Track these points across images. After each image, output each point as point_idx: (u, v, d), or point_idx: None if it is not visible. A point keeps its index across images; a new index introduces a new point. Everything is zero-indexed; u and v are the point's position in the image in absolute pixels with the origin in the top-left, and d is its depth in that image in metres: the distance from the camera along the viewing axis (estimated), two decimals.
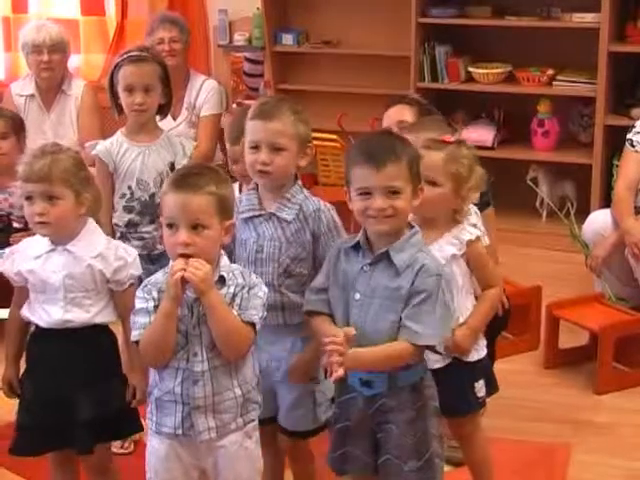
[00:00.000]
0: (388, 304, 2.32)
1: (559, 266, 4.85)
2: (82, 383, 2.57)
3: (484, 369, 2.77)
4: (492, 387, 2.84)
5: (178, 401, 2.36)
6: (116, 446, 3.22)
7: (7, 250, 2.70)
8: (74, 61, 5.70)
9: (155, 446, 2.43)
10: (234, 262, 2.52)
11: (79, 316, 2.58)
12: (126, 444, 3.24)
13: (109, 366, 2.65)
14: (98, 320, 2.61)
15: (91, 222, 2.65)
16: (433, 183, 2.58)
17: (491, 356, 2.93)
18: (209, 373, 2.34)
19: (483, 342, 2.75)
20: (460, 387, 2.64)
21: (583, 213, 4.59)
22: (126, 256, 2.63)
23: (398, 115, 3.32)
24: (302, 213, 2.60)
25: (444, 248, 2.64)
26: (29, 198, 2.55)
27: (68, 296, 2.57)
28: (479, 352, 2.72)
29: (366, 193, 2.31)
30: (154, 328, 2.31)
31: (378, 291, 2.33)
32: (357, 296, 2.35)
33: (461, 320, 2.67)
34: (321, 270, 2.47)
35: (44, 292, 2.58)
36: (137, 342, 2.35)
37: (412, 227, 2.39)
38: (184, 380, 2.35)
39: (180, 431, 2.37)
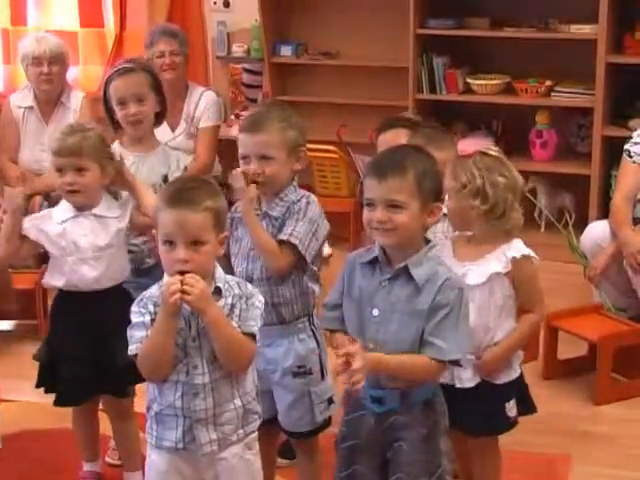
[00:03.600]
0: (408, 320, 2.28)
1: (557, 277, 4.84)
2: (114, 334, 2.66)
3: (517, 389, 2.74)
4: (527, 407, 2.79)
5: (179, 415, 2.35)
6: (114, 458, 3.22)
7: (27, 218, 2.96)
8: (73, 72, 5.71)
9: (155, 460, 2.41)
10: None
11: (105, 273, 2.88)
12: None
13: None
14: (123, 276, 2.94)
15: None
16: (447, 197, 2.66)
17: None
18: (210, 385, 2.34)
19: (517, 363, 2.73)
20: (490, 408, 2.62)
21: (581, 224, 4.59)
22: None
23: (394, 140, 3.21)
24: (289, 212, 2.67)
25: (489, 264, 2.64)
26: (60, 170, 2.88)
27: (96, 255, 2.86)
28: (510, 374, 2.71)
29: (371, 204, 2.31)
30: (152, 344, 2.30)
31: (398, 307, 2.29)
32: (375, 312, 2.32)
33: (495, 340, 2.67)
34: (334, 286, 2.46)
35: (74, 254, 2.86)
36: (135, 356, 2.34)
37: (428, 241, 2.36)
38: (184, 393, 2.34)
39: (181, 445, 2.36)
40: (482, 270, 2.63)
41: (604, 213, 4.82)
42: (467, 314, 2.33)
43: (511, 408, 2.71)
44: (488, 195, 2.64)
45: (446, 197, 2.77)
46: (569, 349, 3.96)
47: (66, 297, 2.93)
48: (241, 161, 2.67)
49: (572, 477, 3.24)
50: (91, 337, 2.87)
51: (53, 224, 2.89)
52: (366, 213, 2.31)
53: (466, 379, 2.64)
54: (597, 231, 4.25)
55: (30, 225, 2.91)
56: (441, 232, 2.92)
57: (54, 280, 2.92)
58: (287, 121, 2.67)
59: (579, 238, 4.32)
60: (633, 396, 3.76)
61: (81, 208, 2.90)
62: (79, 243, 2.87)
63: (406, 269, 2.30)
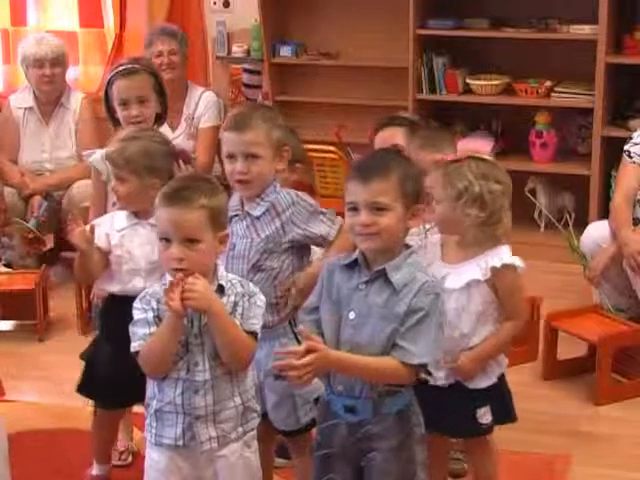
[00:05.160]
0: (383, 323, 2.27)
1: (557, 277, 4.85)
2: None
3: (492, 397, 2.71)
4: (506, 416, 2.76)
5: (179, 412, 2.36)
6: (114, 458, 3.22)
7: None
8: (73, 73, 5.71)
9: (155, 458, 2.42)
10: None
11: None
12: (123, 456, 3.24)
13: None
14: None
15: None
16: (436, 202, 2.64)
17: None
18: (210, 382, 2.35)
19: (492, 370, 2.71)
20: (460, 411, 2.60)
21: (581, 224, 4.58)
22: None
23: (391, 139, 3.23)
24: (274, 209, 2.68)
25: (469, 270, 2.61)
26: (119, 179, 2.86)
27: (149, 267, 2.80)
28: (484, 380, 2.69)
29: (354, 209, 2.29)
30: (157, 340, 2.31)
31: (374, 310, 2.28)
32: (352, 315, 2.30)
33: (470, 345, 2.65)
34: (314, 290, 2.44)
35: (128, 263, 2.83)
36: (137, 352, 2.35)
37: (408, 247, 2.35)
38: (185, 390, 2.35)
39: (181, 442, 2.37)
40: (461, 275, 2.61)
41: (604, 213, 4.82)
42: (442, 322, 2.30)
43: (483, 415, 2.69)
44: (487, 204, 2.61)
45: (433, 202, 2.76)
46: (569, 349, 3.95)
47: (115, 301, 2.88)
48: (226, 160, 2.68)
49: (572, 477, 3.23)
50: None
51: (113, 231, 2.86)
52: (349, 218, 2.30)
53: (439, 378, 2.61)
54: (597, 231, 4.24)
55: (99, 235, 2.83)
56: (438, 235, 2.91)
57: (108, 286, 2.89)
58: (272, 121, 2.69)
59: (579, 238, 4.32)
60: (633, 396, 3.75)
61: (139, 216, 2.86)
62: (134, 253, 2.83)
63: (384, 272, 2.28)
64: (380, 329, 2.27)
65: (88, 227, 2.77)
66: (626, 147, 4.25)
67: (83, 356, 2.98)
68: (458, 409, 2.53)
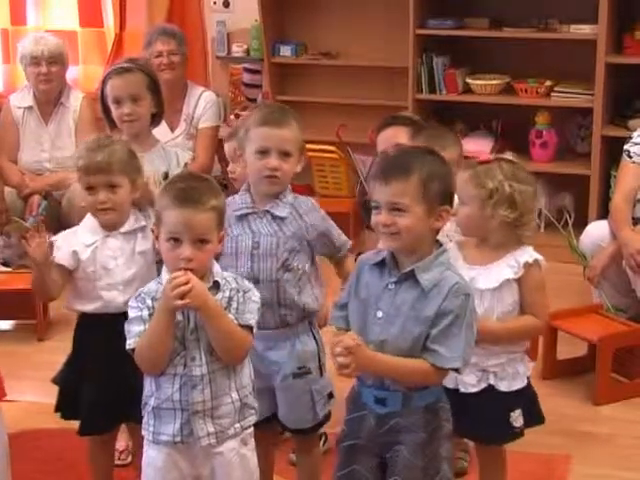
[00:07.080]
0: (412, 323, 2.26)
1: (557, 277, 4.81)
2: None
3: (524, 399, 2.71)
4: (535, 418, 2.76)
5: (177, 408, 2.36)
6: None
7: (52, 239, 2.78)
8: (72, 72, 5.71)
9: (153, 456, 2.42)
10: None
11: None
12: (123, 456, 3.24)
13: None
14: None
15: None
16: (462, 203, 2.63)
17: None
18: (208, 377, 2.35)
19: (524, 372, 2.70)
20: (494, 416, 2.58)
21: (581, 224, 4.59)
22: None
23: (394, 138, 3.23)
24: (295, 210, 2.69)
25: (500, 270, 2.61)
26: (91, 188, 2.73)
27: (126, 279, 2.74)
28: (516, 382, 2.68)
29: (377, 207, 2.28)
30: (150, 338, 2.32)
31: (403, 310, 2.27)
32: (379, 314, 2.29)
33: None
34: (345, 286, 2.45)
35: (103, 279, 2.74)
36: (133, 350, 2.35)
37: (440, 245, 2.33)
38: (182, 386, 2.35)
39: (179, 438, 2.37)
40: (494, 275, 2.61)
41: (604, 213, 4.82)
42: (472, 322, 2.28)
43: (516, 418, 2.67)
44: (517, 204, 2.60)
45: (456, 201, 2.76)
46: (569, 349, 3.95)
47: (92, 319, 2.79)
48: (257, 155, 2.65)
49: (572, 477, 3.23)
50: (117, 360, 2.65)
51: (82, 246, 2.75)
52: (374, 216, 2.30)
53: (470, 384, 2.62)
54: (597, 231, 4.25)
55: (63, 252, 2.73)
56: (452, 232, 2.90)
57: (81, 305, 2.78)
58: (299, 123, 2.71)
59: (579, 238, 4.32)
60: (633, 396, 3.75)
61: (109, 227, 2.76)
62: (108, 267, 2.74)
63: (412, 273, 2.27)
64: (408, 330, 2.26)
65: (47, 242, 2.67)
66: (626, 147, 4.25)
67: (57, 380, 2.87)
68: (492, 414, 2.51)
